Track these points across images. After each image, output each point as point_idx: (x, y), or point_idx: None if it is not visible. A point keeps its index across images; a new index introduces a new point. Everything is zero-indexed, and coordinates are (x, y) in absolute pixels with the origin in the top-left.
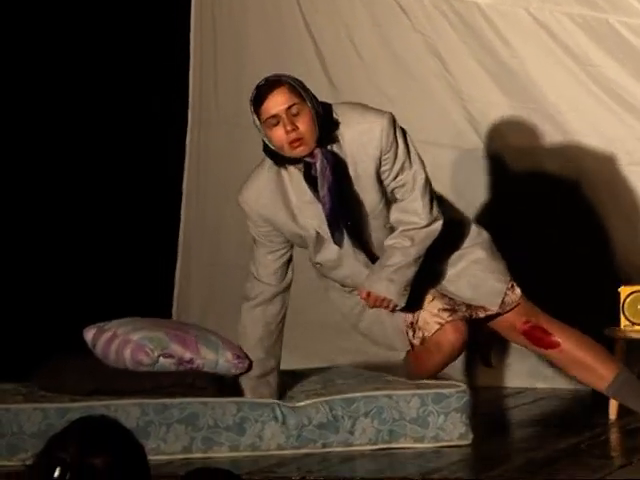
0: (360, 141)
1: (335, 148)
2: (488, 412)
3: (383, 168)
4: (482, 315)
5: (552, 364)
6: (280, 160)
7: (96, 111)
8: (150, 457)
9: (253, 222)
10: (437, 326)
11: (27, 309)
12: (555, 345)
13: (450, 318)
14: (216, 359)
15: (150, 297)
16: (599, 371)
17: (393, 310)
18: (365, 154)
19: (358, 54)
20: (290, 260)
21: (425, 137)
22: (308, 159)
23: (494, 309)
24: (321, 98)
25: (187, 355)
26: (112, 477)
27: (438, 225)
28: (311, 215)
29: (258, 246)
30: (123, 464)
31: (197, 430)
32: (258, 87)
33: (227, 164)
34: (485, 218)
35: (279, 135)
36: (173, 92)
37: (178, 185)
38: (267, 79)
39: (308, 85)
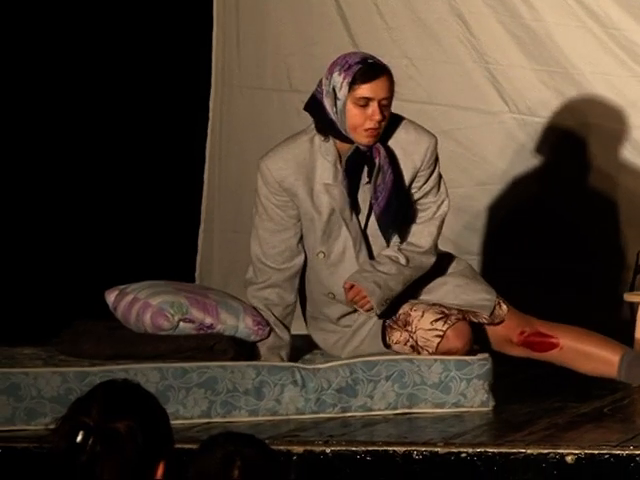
0: (407, 149)
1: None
2: (511, 379)
3: (415, 184)
4: (475, 321)
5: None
6: (334, 134)
7: (120, 75)
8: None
9: (270, 189)
10: (437, 339)
11: (50, 272)
12: (555, 345)
13: (446, 326)
14: (236, 325)
15: (173, 261)
16: (604, 357)
17: (367, 311)
18: (407, 162)
19: (381, 16)
20: (300, 241)
21: (448, 100)
22: (364, 148)
23: (485, 315)
24: None
25: (207, 320)
26: (135, 441)
27: (432, 260)
28: (329, 198)
29: (266, 223)
30: (146, 428)
31: (216, 394)
32: (367, 64)
33: (250, 128)
34: (508, 182)
35: (362, 116)
36: (196, 56)
37: (202, 149)
38: (375, 61)
39: (332, 47)
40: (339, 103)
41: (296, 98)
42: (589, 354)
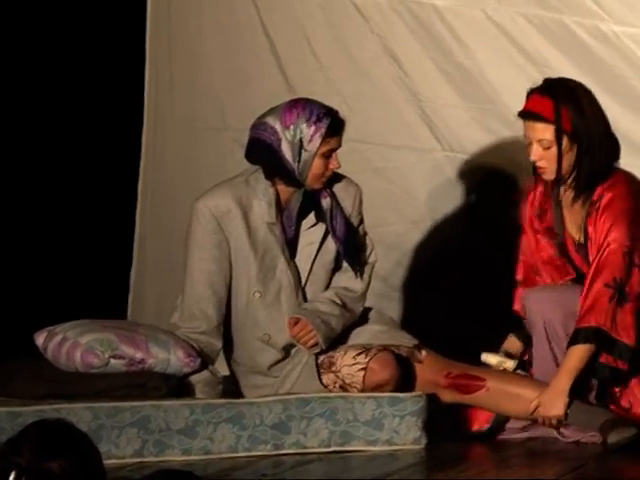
0: (338, 194)
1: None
2: (445, 417)
3: None
4: (397, 352)
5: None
6: (285, 180)
7: (51, 111)
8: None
9: (207, 228)
10: (362, 372)
11: None
12: (482, 386)
13: (368, 358)
14: (168, 358)
15: (105, 298)
16: (528, 395)
17: (311, 347)
18: (341, 207)
19: (314, 55)
20: (229, 288)
21: (381, 138)
22: (310, 192)
23: (408, 346)
24: (278, 100)
25: (138, 355)
26: None
27: (362, 308)
28: (269, 237)
29: (202, 264)
30: (79, 468)
31: (149, 433)
32: (333, 116)
33: (182, 165)
34: (438, 220)
35: (324, 167)
36: (129, 93)
37: (134, 186)
38: (333, 110)
39: (265, 85)
40: (306, 154)
41: (229, 136)
42: (516, 395)
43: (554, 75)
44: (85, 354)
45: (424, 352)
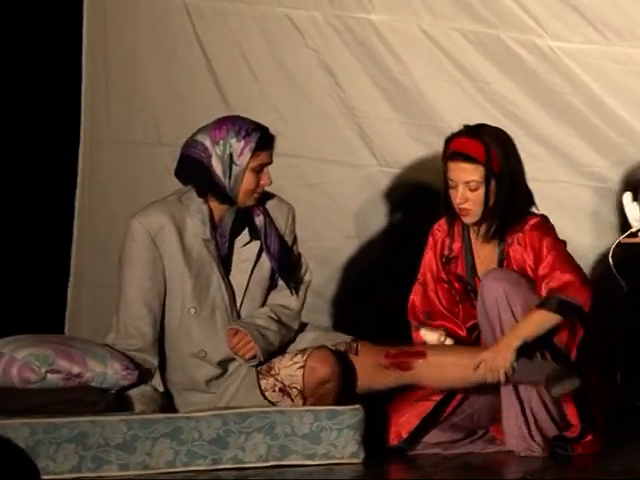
0: (271, 213)
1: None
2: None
3: None
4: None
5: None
6: (217, 197)
7: None
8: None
9: (142, 246)
10: (300, 370)
11: None
12: (421, 356)
13: (305, 356)
14: (104, 371)
15: (42, 314)
16: (469, 360)
17: (249, 359)
18: (274, 225)
19: (251, 71)
20: (163, 305)
21: (317, 153)
22: (243, 209)
23: (345, 341)
24: (214, 115)
25: (75, 369)
26: None
27: (297, 325)
28: (204, 253)
29: (137, 282)
30: None
31: (87, 449)
32: (263, 131)
33: (118, 182)
34: (373, 235)
35: (256, 182)
36: (66, 110)
37: (71, 201)
38: (264, 126)
39: (201, 101)
40: (236, 169)
41: (165, 152)
42: (457, 362)
43: (490, 90)
44: (22, 369)
45: (359, 344)
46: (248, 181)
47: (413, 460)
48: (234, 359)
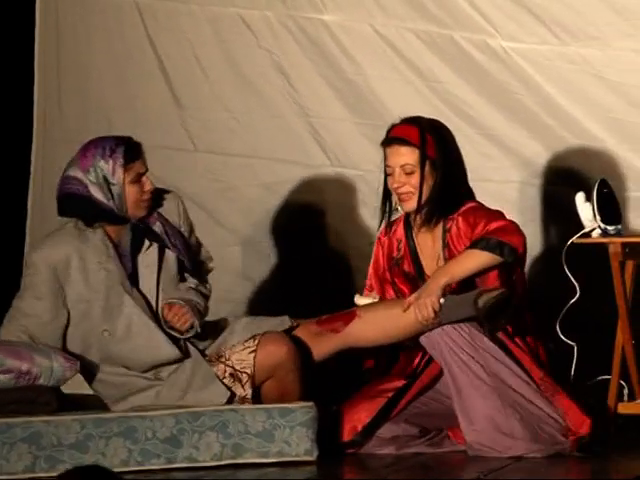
0: (164, 212)
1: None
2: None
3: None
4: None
5: None
6: (108, 221)
7: None
8: None
9: (42, 278)
10: (252, 354)
11: None
12: (353, 315)
13: (257, 340)
14: (51, 365)
15: None
16: (397, 309)
17: (183, 333)
18: (171, 224)
19: (203, 71)
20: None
21: (270, 153)
22: (137, 222)
23: (288, 323)
24: (167, 114)
25: (24, 367)
26: None
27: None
28: (105, 275)
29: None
30: None
31: (40, 449)
32: (127, 143)
33: None
34: (328, 233)
35: (139, 191)
36: (18, 110)
37: (23, 202)
38: (128, 138)
39: (154, 100)
40: (115, 188)
41: None
42: (385, 313)
43: (443, 90)
44: None
45: (293, 320)
46: (131, 194)
47: (367, 460)
48: (163, 365)
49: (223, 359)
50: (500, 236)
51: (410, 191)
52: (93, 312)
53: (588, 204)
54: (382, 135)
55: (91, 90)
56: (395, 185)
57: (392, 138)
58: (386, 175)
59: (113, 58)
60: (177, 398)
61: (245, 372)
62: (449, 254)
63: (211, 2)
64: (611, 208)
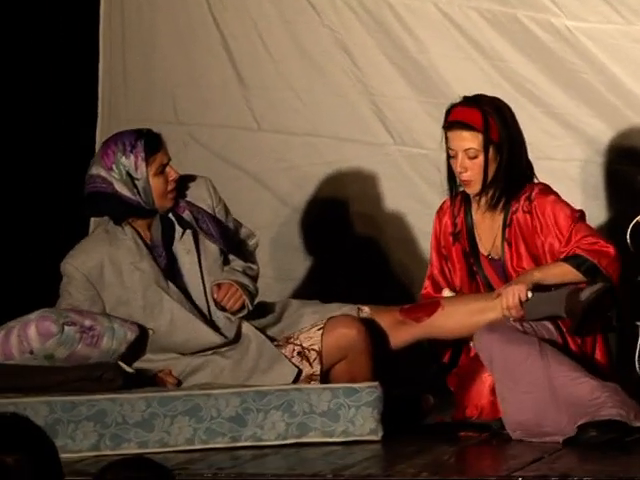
0: (193, 196)
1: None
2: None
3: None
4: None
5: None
6: (137, 215)
7: (6, 110)
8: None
9: (77, 286)
10: (320, 332)
11: None
12: (437, 305)
13: (325, 320)
14: (111, 325)
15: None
16: (485, 306)
17: (235, 313)
18: (202, 206)
19: (267, 49)
20: None
21: (333, 132)
22: (166, 213)
23: (350, 306)
24: (231, 93)
25: (87, 322)
26: (23, 475)
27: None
28: (140, 275)
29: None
30: (35, 462)
31: (105, 427)
32: (146, 135)
33: None
34: (390, 213)
35: (164, 182)
36: (82, 88)
37: None
38: (147, 130)
39: (217, 79)
40: (140, 182)
41: (182, 130)
42: (470, 308)
43: (507, 69)
44: (40, 323)
45: (366, 308)
46: (157, 186)
47: (430, 442)
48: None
49: (292, 340)
50: (599, 261)
51: (474, 176)
52: (134, 312)
53: None
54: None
55: (156, 69)
56: (459, 169)
57: (454, 122)
58: (449, 156)
59: (177, 37)
60: (243, 379)
61: (313, 349)
62: (510, 235)
63: None
64: None
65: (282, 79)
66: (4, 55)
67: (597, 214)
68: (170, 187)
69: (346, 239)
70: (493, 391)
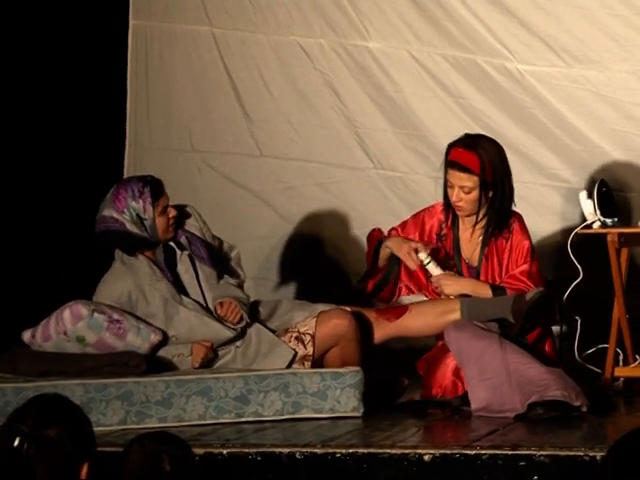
0: (184, 223)
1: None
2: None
3: (209, 239)
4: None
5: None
6: (146, 247)
7: (40, 135)
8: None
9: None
10: (314, 320)
11: None
12: (405, 308)
13: (321, 311)
14: (138, 325)
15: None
16: (447, 307)
17: (237, 322)
18: (193, 231)
19: (267, 89)
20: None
21: (324, 158)
22: (167, 242)
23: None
24: (237, 125)
25: (115, 315)
26: (64, 445)
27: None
28: (159, 293)
29: None
30: (73, 434)
31: (131, 405)
32: (150, 182)
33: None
34: (370, 225)
35: (167, 220)
36: (113, 122)
37: None
38: (151, 177)
39: (226, 113)
40: (147, 222)
41: (196, 157)
42: (434, 310)
43: (468, 105)
44: (73, 308)
45: (348, 309)
46: (161, 224)
47: (407, 417)
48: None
49: (289, 327)
50: (518, 288)
51: (467, 206)
52: (158, 324)
53: (590, 201)
54: (417, 142)
55: (174, 105)
56: (454, 199)
57: (453, 163)
58: (446, 184)
59: (192, 78)
60: (249, 364)
61: (308, 333)
62: (488, 252)
63: (274, 32)
64: (609, 204)
65: (280, 114)
66: (46, 92)
67: (542, 227)
68: (171, 222)
69: (336, 248)
70: (454, 373)
